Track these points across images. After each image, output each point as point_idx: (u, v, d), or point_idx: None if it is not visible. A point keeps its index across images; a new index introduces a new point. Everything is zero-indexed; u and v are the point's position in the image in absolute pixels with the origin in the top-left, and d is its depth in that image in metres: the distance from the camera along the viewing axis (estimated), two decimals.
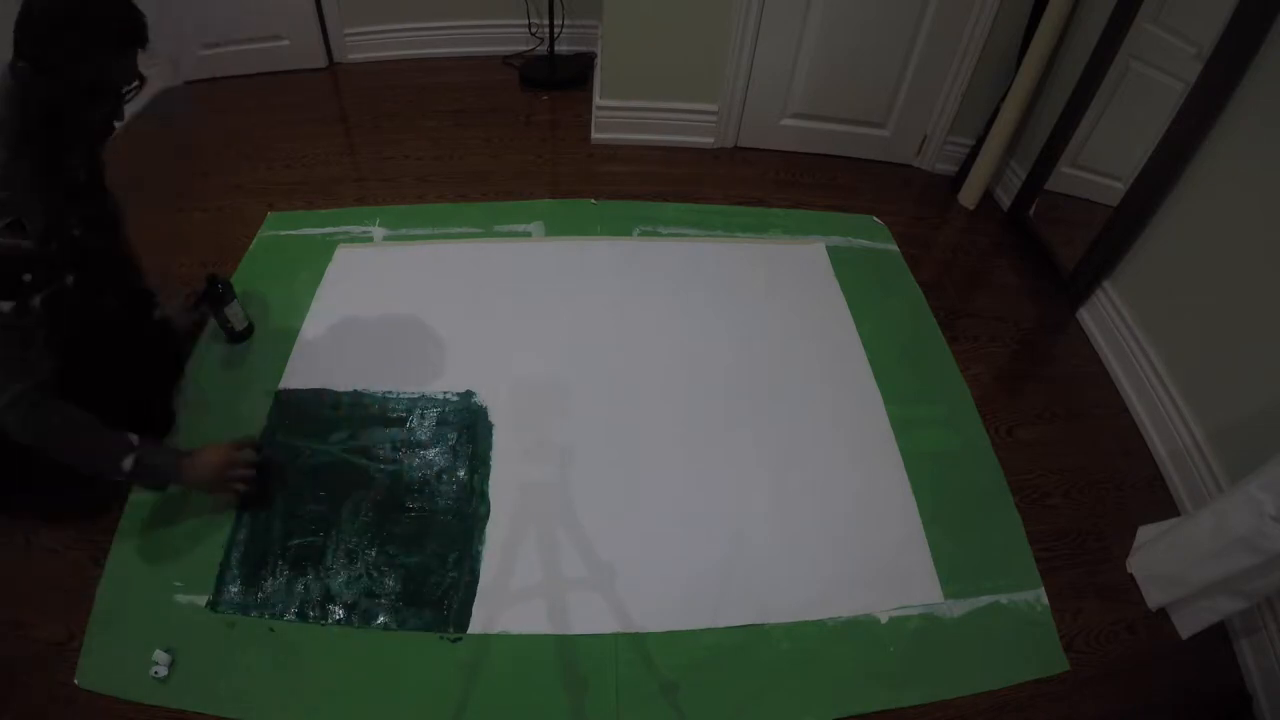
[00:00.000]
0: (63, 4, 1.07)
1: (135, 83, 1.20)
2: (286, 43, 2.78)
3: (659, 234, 2.19)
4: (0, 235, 1.07)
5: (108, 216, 1.46)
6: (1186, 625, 1.40)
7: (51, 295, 1.16)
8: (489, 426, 1.63)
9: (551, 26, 2.81)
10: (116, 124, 1.25)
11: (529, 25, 2.97)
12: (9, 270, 1.10)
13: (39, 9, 1.07)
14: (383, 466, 1.54)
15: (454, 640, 1.30)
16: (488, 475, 1.54)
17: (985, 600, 1.42)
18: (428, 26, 2.97)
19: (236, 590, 1.34)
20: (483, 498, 1.50)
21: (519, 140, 2.59)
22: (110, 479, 1.27)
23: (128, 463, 1.23)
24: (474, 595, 1.36)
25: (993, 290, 2.16)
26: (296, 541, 1.41)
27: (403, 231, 2.13)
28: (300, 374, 1.71)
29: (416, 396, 1.68)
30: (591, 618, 1.35)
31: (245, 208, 2.20)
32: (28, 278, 1.12)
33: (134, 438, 1.25)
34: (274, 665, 1.26)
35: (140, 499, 1.45)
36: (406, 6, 2.90)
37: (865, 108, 2.48)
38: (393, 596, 1.35)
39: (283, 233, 2.06)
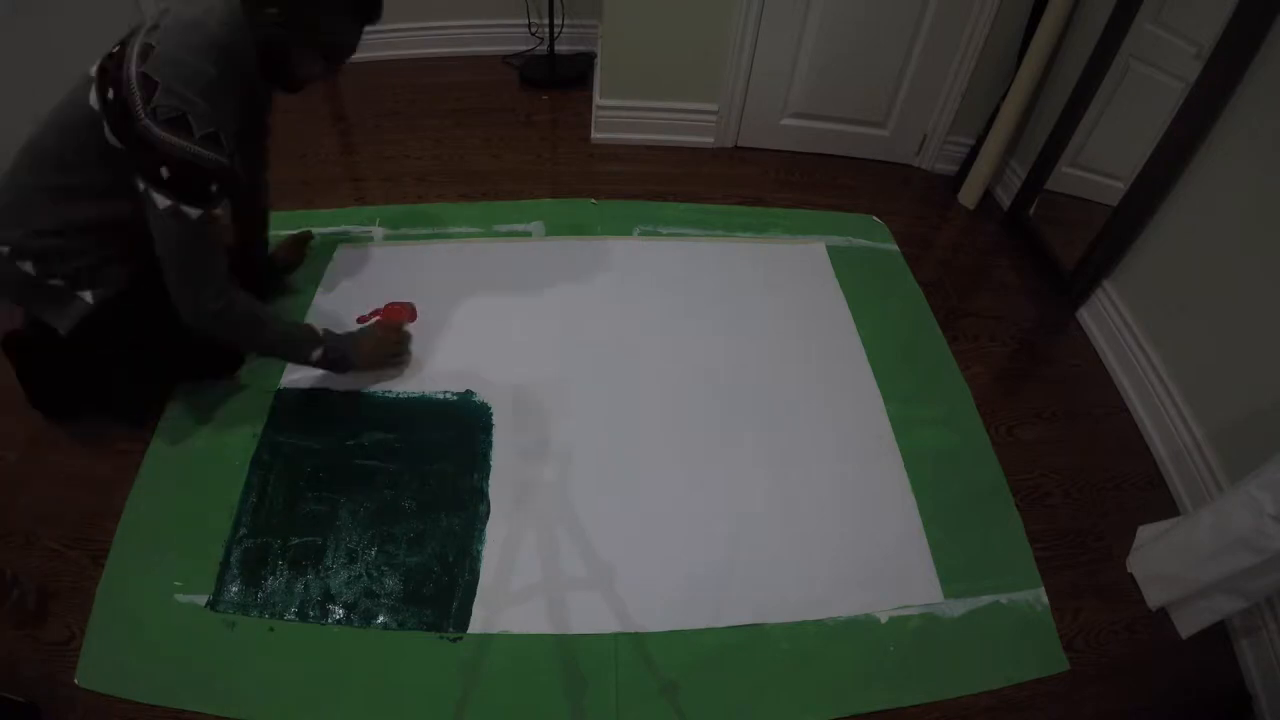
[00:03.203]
0: None
1: (352, 49, 1.31)
2: None
3: (659, 234, 2.19)
4: (201, 144, 1.16)
5: (259, 161, 1.59)
6: (1186, 625, 1.40)
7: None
8: (489, 426, 1.63)
9: (551, 26, 2.81)
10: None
11: (529, 25, 2.97)
12: (203, 178, 1.19)
13: None
14: (383, 466, 1.54)
15: (454, 640, 1.31)
16: (488, 475, 1.54)
17: (985, 600, 1.42)
18: (428, 26, 2.96)
19: (236, 590, 1.34)
20: (483, 497, 1.50)
21: (519, 140, 2.59)
22: (298, 363, 1.48)
23: (316, 354, 1.46)
24: (474, 595, 1.36)
25: (992, 290, 2.16)
26: (296, 541, 1.41)
27: (403, 231, 2.13)
28: (300, 373, 1.70)
29: (417, 396, 1.68)
30: (591, 618, 1.35)
31: None
32: (214, 188, 1.21)
33: (320, 329, 1.46)
34: (274, 665, 1.26)
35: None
36: (407, 6, 2.89)
37: (865, 107, 2.48)
38: (393, 596, 1.35)
39: (283, 233, 2.06)
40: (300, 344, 1.47)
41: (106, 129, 1.17)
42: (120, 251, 1.35)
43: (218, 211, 1.24)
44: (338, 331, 1.56)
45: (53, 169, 1.24)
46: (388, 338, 1.65)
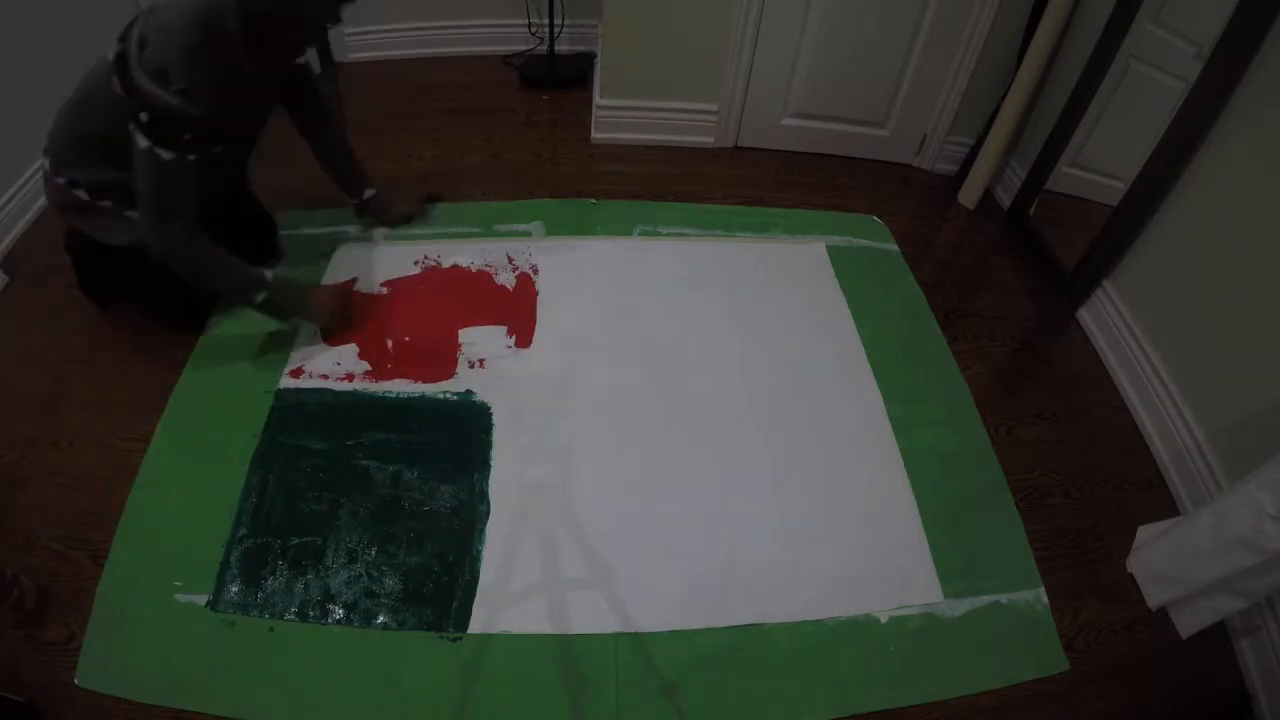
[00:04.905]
0: None
1: (335, 23, 1.45)
2: None
3: (659, 234, 2.19)
4: (176, 96, 1.30)
5: (260, 124, 1.71)
6: (1186, 625, 1.40)
7: (202, 157, 1.41)
8: (489, 426, 1.63)
9: (551, 26, 2.81)
10: (303, 60, 1.61)
11: (529, 25, 2.97)
12: (174, 126, 1.34)
13: None
14: (382, 466, 1.54)
15: (454, 640, 1.31)
16: (488, 475, 1.54)
17: (985, 600, 1.42)
18: (428, 26, 2.97)
19: (236, 590, 1.34)
20: (483, 497, 1.50)
21: (519, 140, 2.59)
22: (245, 304, 1.62)
23: (259, 296, 1.58)
24: (474, 595, 1.36)
25: (993, 290, 2.16)
26: (296, 541, 1.41)
27: (403, 231, 2.13)
28: (301, 376, 1.71)
29: (416, 396, 1.68)
30: (591, 618, 1.35)
31: None
32: (187, 136, 1.36)
33: (269, 275, 1.60)
34: (274, 665, 1.26)
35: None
36: (406, 6, 2.90)
37: (865, 107, 2.48)
38: (393, 596, 1.35)
39: (283, 232, 2.06)
40: (249, 286, 1.58)
41: (115, 80, 1.33)
42: None
43: (191, 158, 1.39)
44: (289, 283, 1.67)
45: (81, 116, 1.47)
46: (340, 305, 1.77)
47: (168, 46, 1.28)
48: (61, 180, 1.52)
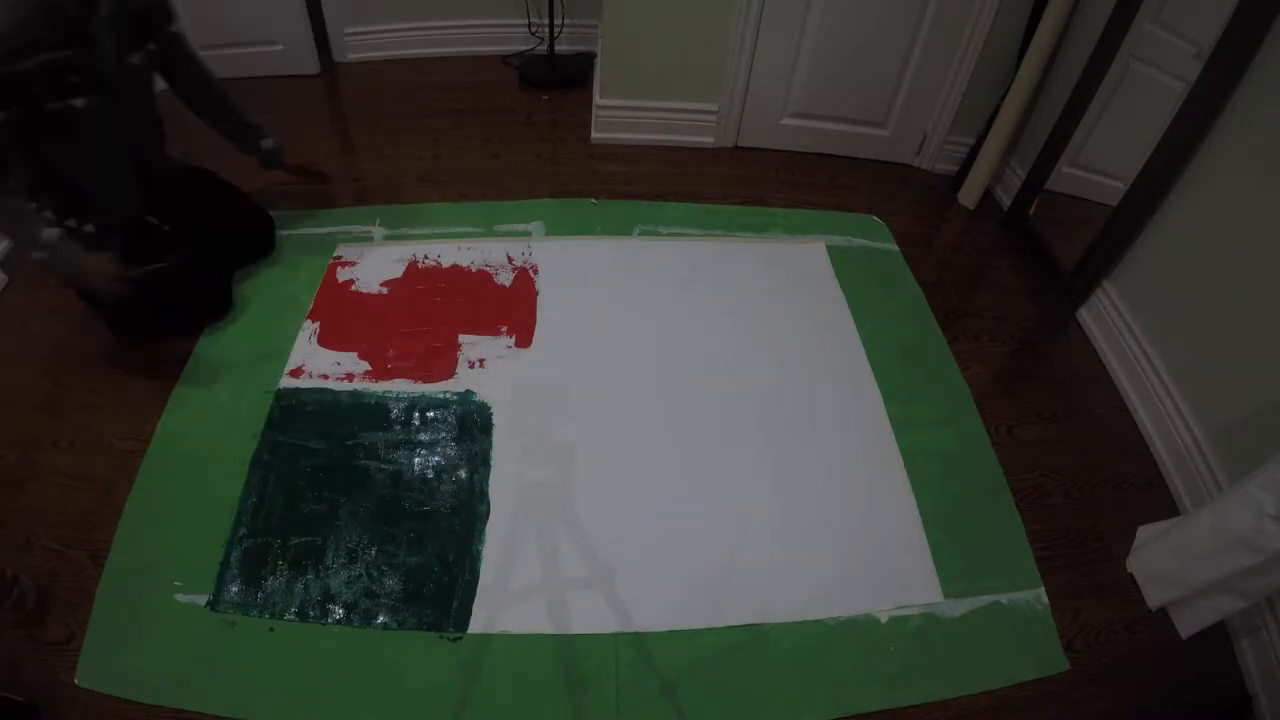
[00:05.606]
0: None
1: None
2: (280, 48, 2.77)
3: (659, 234, 2.19)
4: None
5: (129, 77, 1.61)
6: (1186, 625, 1.40)
7: (23, 115, 1.38)
8: (489, 426, 1.63)
9: (551, 26, 2.81)
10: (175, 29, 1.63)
11: (529, 25, 2.97)
12: None
13: None
14: (382, 466, 1.54)
15: (454, 640, 1.31)
16: (488, 475, 1.54)
17: (985, 600, 1.42)
18: (428, 26, 2.96)
19: (236, 590, 1.34)
20: (483, 497, 1.50)
21: (519, 140, 2.59)
22: (34, 252, 1.49)
23: (38, 254, 1.48)
24: (474, 595, 1.36)
25: (992, 290, 2.16)
26: (296, 541, 1.41)
27: (403, 231, 2.13)
28: (301, 376, 1.71)
29: (416, 396, 1.68)
30: (591, 618, 1.35)
31: None
32: None
33: (44, 238, 1.48)
34: (274, 665, 1.26)
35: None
36: (406, 6, 2.90)
37: (865, 107, 2.48)
38: (393, 596, 1.35)
39: (283, 232, 2.06)
40: (31, 243, 1.50)
41: None
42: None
43: None
44: (66, 248, 1.56)
45: None
46: (103, 269, 1.58)
47: None
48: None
